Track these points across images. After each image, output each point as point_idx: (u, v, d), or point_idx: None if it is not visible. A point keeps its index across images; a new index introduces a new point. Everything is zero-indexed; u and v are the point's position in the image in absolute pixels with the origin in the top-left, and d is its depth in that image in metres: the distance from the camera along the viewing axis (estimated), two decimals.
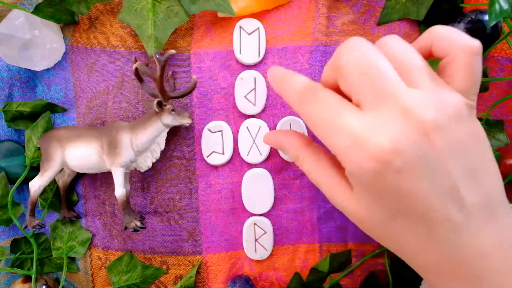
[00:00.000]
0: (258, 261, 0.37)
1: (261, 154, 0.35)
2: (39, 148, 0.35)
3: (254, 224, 0.36)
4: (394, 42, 0.23)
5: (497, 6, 0.27)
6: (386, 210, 0.22)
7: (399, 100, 0.21)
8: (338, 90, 0.24)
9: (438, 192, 0.21)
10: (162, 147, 0.34)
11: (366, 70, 0.22)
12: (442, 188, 0.21)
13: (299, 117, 0.35)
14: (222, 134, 0.35)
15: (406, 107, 0.20)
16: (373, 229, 0.24)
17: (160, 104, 0.32)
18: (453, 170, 0.21)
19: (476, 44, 0.22)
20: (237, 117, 0.36)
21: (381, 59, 0.22)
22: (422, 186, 0.21)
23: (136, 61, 0.31)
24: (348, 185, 0.24)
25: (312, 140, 0.28)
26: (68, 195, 0.37)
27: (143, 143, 0.33)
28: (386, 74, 0.21)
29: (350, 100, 0.23)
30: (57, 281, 0.39)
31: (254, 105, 0.35)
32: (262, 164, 0.36)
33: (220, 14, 0.35)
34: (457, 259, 0.22)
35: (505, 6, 0.27)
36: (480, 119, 0.35)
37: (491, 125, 0.35)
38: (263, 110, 0.36)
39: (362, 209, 0.23)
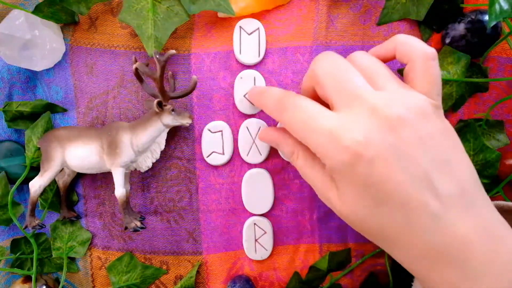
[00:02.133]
0: (258, 261, 0.37)
1: (261, 154, 0.35)
2: (39, 148, 0.35)
3: (254, 224, 0.36)
4: (362, 55, 0.27)
5: (497, 6, 0.27)
6: (366, 202, 0.23)
7: (367, 100, 0.24)
8: (316, 98, 0.27)
9: (411, 180, 0.22)
10: (162, 147, 0.34)
11: (338, 76, 0.25)
12: (415, 177, 0.22)
13: None
14: (222, 134, 0.35)
15: (373, 106, 0.23)
16: (358, 223, 0.25)
17: (160, 104, 0.32)
18: (423, 160, 0.23)
19: (430, 50, 0.25)
20: (237, 117, 0.36)
21: (350, 67, 0.25)
22: (395, 175, 0.22)
23: (136, 61, 0.31)
24: (334, 183, 0.25)
25: None
26: (68, 195, 0.37)
27: (143, 143, 0.33)
28: (355, 79, 0.25)
29: (327, 106, 0.26)
30: (57, 281, 0.39)
31: (254, 104, 0.35)
32: (262, 164, 0.36)
33: (220, 14, 0.35)
34: (439, 248, 0.23)
35: (505, 6, 0.27)
36: (480, 119, 0.35)
37: (491, 125, 0.35)
38: (263, 110, 0.36)
39: (346, 204, 0.24)
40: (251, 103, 0.35)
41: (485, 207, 0.24)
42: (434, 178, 0.23)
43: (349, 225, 0.26)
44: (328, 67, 0.26)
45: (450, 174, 0.23)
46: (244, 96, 0.35)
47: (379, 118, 0.23)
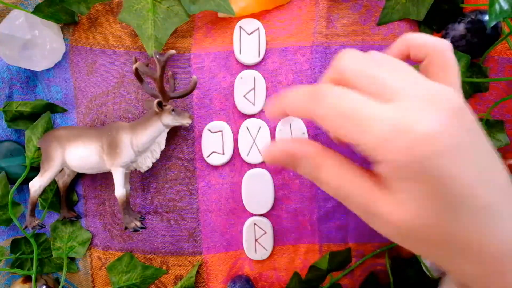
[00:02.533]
0: (258, 261, 0.37)
1: (261, 154, 0.35)
2: (39, 148, 0.35)
3: (254, 224, 0.36)
4: (381, 54, 0.24)
5: (497, 6, 0.27)
6: (435, 205, 0.20)
7: (422, 88, 0.20)
8: None
9: (483, 179, 0.20)
10: (162, 147, 0.34)
11: (382, 63, 0.22)
12: (483, 174, 0.20)
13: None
14: (222, 134, 0.35)
15: (432, 94, 0.20)
16: (420, 233, 0.21)
17: (160, 104, 0.32)
18: (484, 150, 0.20)
19: (446, 42, 0.24)
20: (237, 117, 0.36)
21: (380, 61, 0.22)
22: (469, 171, 0.19)
23: (136, 61, 0.31)
24: (386, 190, 0.21)
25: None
26: (68, 195, 0.37)
27: (143, 143, 0.33)
28: (402, 65, 0.22)
29: None
30: (57, 281, 0.39)
31: (254, 104, 0.35)
32: (262, 164, 0.36)
33: (220, 14, 0.35)
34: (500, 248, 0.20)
35: (505, 6, 0.27)
36: (480, 119, 0.35)
37: (491, 125, 0.35)
38: (263, 110, 0.35)
39: (408, 212, 0.20)
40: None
41: None
42: (491, 170, 0.20)
43: (399, 241, 0.22)
44: (358, 63, 0.22)
45: (498, 166, 0.21)
46: (244, 96, 0.35)
47: (442, 108, 0.20)
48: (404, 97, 0.20)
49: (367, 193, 0.21)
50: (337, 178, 0.22)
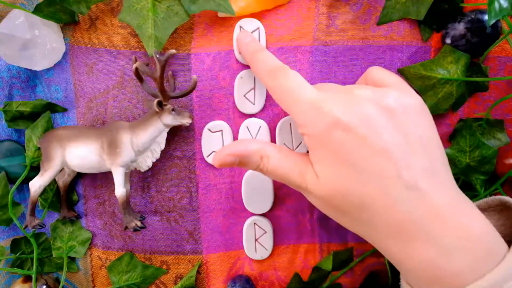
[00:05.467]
0: (258, 261, 0.37)
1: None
2: (39, 148, 0.35)
3: (254, 223, 0.36)
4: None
5: (496, 5, 0.27)
6: (344, 170, 0.25)
7: (344, 88, 0.28)
8: None
9: (384, 150, 0.24)
10: (162, 146, 0.34)
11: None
12: (388, 147, 0.24)
13: None
14: (222, 134, 0.35)
15: (349, 89, 0.27)
16: (339, 197, 0.25)
17: (160, 104, 0.32)
18: (398, 133, 0.25)
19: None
20: (237, 117, 0.36)
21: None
22: (371, 142, 0.24)
23: (136, 60, 0.31)
24: (310, 164, 0.27)
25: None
26: (68, 194, 0.37)
27: (144, 143, 0.33)
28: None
29: None
30: (57, 281, 0.39)
31: (254, 104, 0.35)
32: None
33: (220, 14, 0.35)
34: (414, 219, 0.24)
35: (504, 4, 0.27)
36: (480, 118, 0.35)
37: (491, 125, 0.35)
38: (263, 110, 0.36)
39: (325, 178, 0.26)
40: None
41: (454, 187, 0.25)
42: (407, 150, 0.24)
43: (328, 211, 0.27)
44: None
45: (423, 149, 0.25)
46: (244, 96, 0.35)
47: (354, 95, 0.26)
48: (334, 90, 0.28)
49: (300, 170, 0.27)
50: (279, 167, 0.28)
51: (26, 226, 0.34)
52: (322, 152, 0.26)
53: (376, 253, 0.37)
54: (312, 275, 0.36)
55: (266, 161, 0.28)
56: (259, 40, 0.35)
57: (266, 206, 0.36)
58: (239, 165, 0.29)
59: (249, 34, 0.34)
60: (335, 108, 0.25)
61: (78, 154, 0.33)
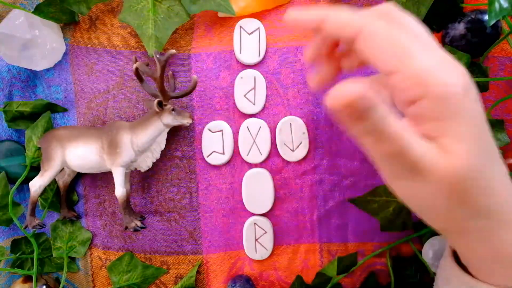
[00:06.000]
0: (258, 261, 0.37)
1: (261, 154, 0.35)
2: (39, 148, 0.35)
3: (255, 224, 0.36)
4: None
5: (496, 5, 0.27)
6: (482, 143, 0.20)
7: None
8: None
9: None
10: (163, 146, 0.34)
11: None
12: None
13: (299, 117, 0.35)
14: (222, 134, 0.35)
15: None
16: (474, 176, 0.20)
17: (160, 104, 0.32)
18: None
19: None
20: (237, 117, 0.36)
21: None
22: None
23: (136, 61, 0.31)
24: (441, 144, 0.20)
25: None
26: (68, 195, 0.37)
27: (144, 143, 0.33)
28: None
29: None
30: (58, 281, 0.39)
31: (254, 104, 0.35)
32: (262, 164, 0.36)
33: (220, 14, 0.35)
34: None
35: (505, 4, 0.27)
36: None
37: (491, 125, 0.35)
38: (263, 110, 0.36)
39: (460, 151, 0.20)
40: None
41: None
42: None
43: (442, 200, 0.21)
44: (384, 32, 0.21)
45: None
46: (245, 96, 0.35)
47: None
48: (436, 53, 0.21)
49: (419, 146, 0.20)
50: (401, 131, 0.20)
51: (26, 226, 0.34)
52: (458, 119, 0.20)
53: (376, 254, 0.37)
54: (315, 280, 0.36)
55: (389, 123, 0.20)
56: (259, 40, 0.35)
57: (266, 206, 0.36)
58: (354, 118, 0.19)
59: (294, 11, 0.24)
60: (465, 72, 0.20)
61: (78, 154, 0.33)
